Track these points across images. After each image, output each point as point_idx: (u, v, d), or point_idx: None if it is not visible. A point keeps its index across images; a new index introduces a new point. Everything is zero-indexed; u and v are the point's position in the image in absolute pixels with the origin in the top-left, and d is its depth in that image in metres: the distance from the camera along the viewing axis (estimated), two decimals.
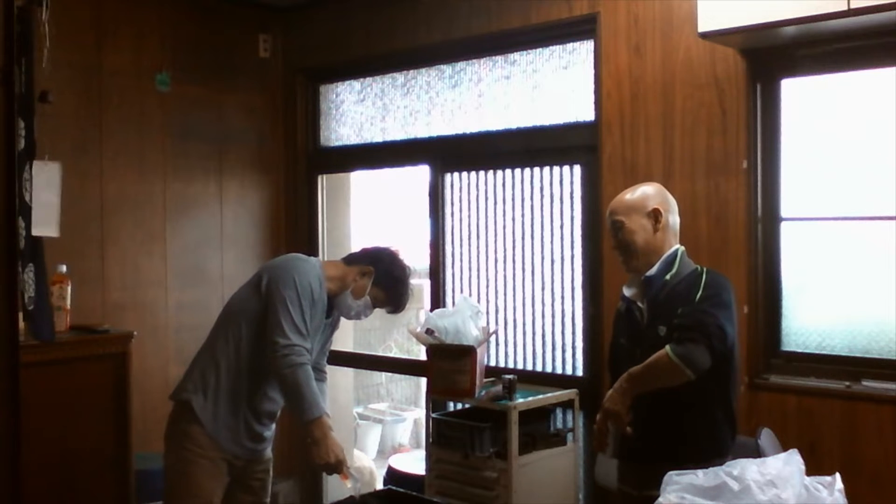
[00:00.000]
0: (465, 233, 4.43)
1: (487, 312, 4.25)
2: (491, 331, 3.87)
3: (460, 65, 4.47)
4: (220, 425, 2.95)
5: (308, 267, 3.03)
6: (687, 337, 2.47)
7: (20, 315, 3.02)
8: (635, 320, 2.68)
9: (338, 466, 2.86)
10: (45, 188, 3.36)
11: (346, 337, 5.39)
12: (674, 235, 2.71)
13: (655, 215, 2.66)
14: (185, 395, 2.97)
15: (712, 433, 2.58)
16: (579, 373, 4.02)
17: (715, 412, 2.59)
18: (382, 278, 3.11)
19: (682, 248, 2.70)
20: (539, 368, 4.16)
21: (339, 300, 3.10)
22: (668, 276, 2.63)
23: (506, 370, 4.00)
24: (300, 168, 5.15)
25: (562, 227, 4.06)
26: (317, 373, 3.13)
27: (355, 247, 5.52)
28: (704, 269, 2.65)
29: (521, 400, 3.57)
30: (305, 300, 2.92)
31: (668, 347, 2.48)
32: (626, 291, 2.74)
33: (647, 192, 2.71)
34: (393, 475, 4.73)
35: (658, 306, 2.62)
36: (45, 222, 3.28)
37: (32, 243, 2.98)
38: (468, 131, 4.44)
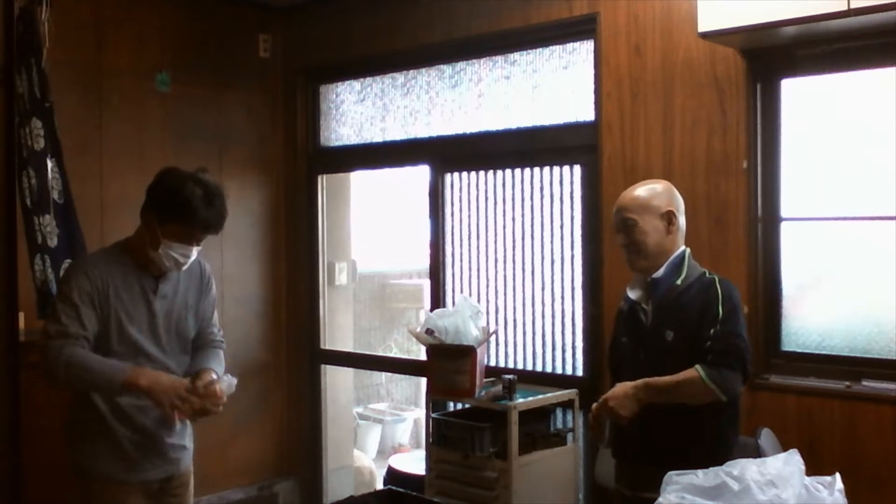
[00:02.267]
0: (465, 233, 4.43)
1: (487, 312, 4.25)
2: (491, 331, 3.88)
3: (460, 65, 4.47)
4: (116, 464, 2.66)
5: (74, 266, 2.73)
6: (723, 363, 2.45)
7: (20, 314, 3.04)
8: (639, 321, 2.66)
9: (185, 405, 2.54)
10: None
11: (346, 337, 5.39)
12: (681, 237, 2.68)
13: (669, 217, 2.63)
14: (72, 457, 2.71)
15: (716, 437, 2.56)
16: (579, 373, 4.02)
17: (720, 418, 2.56)
18: (162, 214, 2.61)
19: (689, 249, 2.68)
20: (539, 368, 4.16)
21: (156, 261, 2.69)
22: (678, 281, 2.59)
23: (506, 370, 4.00)
24: (300, 168, 5.15)
25: (562, 227, 4.06)
26: (213, 342, 2.90)
27: (354, 246, 5.56)
28: (716, 278, 2.61)
29: (521, 400, 3.57)
30: (67, 297, 2.55)
31: (701, 370, 2.45)
32: (631, 294, 2.70)
33: (658, 190, 2.67)
34: (393, 475, 4.73)
35: (665, 310, 2.59)
36: None
37: (68, 239, 2.96)
38: (468, 131, 4.44)
